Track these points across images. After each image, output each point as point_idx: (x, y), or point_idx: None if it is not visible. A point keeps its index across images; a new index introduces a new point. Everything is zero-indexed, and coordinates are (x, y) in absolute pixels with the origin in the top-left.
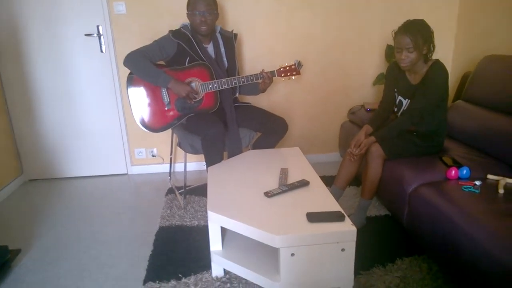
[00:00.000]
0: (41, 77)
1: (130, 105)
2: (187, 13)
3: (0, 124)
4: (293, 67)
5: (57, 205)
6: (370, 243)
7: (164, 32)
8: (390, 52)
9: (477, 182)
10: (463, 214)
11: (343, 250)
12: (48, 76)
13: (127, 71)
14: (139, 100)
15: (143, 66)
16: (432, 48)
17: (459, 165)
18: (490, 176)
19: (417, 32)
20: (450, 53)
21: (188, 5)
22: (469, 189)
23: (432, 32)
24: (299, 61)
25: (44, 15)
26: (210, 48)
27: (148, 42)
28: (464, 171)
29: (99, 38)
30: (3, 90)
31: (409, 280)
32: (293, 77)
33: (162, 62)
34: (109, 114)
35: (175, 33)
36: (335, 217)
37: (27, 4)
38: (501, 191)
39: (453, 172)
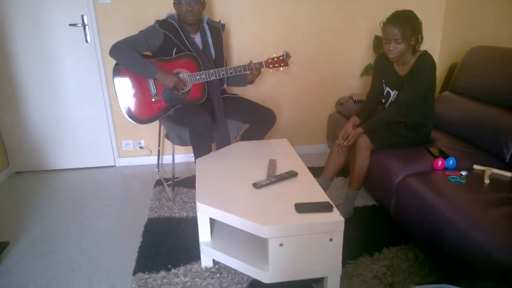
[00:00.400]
0: (25, 68)
1: (116, 96)
2: (173, 3)
3: None
4: (281, 58)
5: (44, 197)
6: (358, 233)
7: (150, 22)
8: (378, 43)
9: (463, 172)
10: (449, 204)
11: (331, 240)
12: (32, 67)
13: (113, 61)
14: (126, 91)
15: (129, 56)
16: (420, 39)
17: (445, 156)
18: (476, 167)
19: (405, 23)
20: (438, 44)
21: None
22: (455, 179)
23: (421, 23)
24: (287, 52)
25: (27, 4)
26: (197, 38)
27: (134, 32)
28: (451, 162)
29: (84, 28)
30: None
31: (395, 268)
32: (281, 69)
33: (149, 53)
34: (96, 106)
35: (161, 23)
36: (323, 207)
37: None
38: (486, 181)
39: (440, 162)
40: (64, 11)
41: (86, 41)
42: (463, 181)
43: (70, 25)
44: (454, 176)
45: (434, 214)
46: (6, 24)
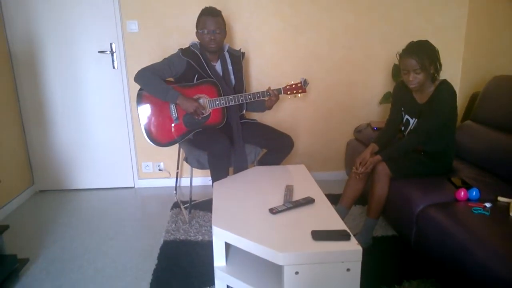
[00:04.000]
0: (55, 91)
1: (139, 120)
2: (196, 32)
3: (14, 135)
4: (299, 85)
5: (65, 216)
6: (377, 263)
7: (174, 50)
8: (397, 71)
9: (487, 204)
10: (473, 236)
11: (348, 270)
12: (61, 90)
13: (137, 86)
14: (148, 115)
15: (153, 82)
16: (439, 67)
17: (468, 186)
18: (500, 198)
19: (422, 54)
20: (458, 73)
21: (197, 24)
22: (479, 211)
23: (437, 51)
24: (305, 79)
25: (60, 32)
26: (218, 66)
27: (158, 59)
28: (474, 193)
29: (112, 55)
30: (19, 102)
31: None
32: (299, 95)
33: (171, 79)
34: (119, 128)
35: (184, 51)
36: (341, 236)
37: (44, 21)
38: None
39: (462, 193)
40: (95, 39)
41: (113, 67)
42: (487, 213)
43: (99, 52)
44: (478, 208)
45: (457, 246)
46: (39, 50)
